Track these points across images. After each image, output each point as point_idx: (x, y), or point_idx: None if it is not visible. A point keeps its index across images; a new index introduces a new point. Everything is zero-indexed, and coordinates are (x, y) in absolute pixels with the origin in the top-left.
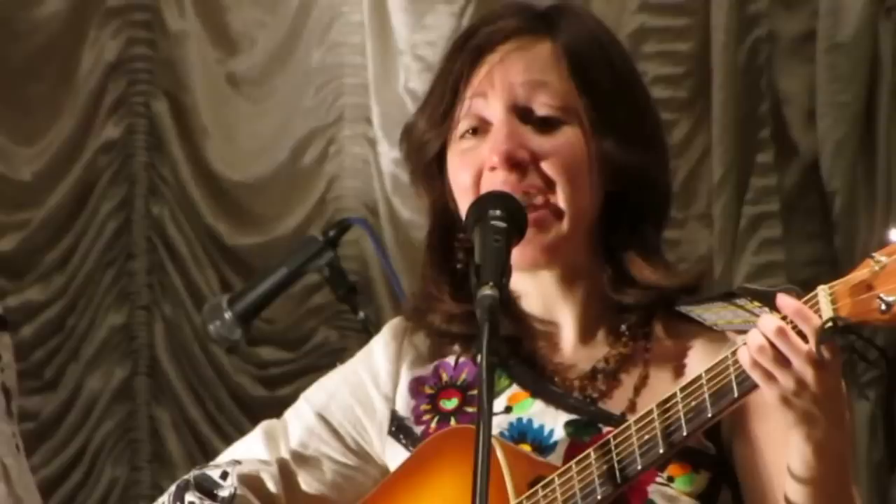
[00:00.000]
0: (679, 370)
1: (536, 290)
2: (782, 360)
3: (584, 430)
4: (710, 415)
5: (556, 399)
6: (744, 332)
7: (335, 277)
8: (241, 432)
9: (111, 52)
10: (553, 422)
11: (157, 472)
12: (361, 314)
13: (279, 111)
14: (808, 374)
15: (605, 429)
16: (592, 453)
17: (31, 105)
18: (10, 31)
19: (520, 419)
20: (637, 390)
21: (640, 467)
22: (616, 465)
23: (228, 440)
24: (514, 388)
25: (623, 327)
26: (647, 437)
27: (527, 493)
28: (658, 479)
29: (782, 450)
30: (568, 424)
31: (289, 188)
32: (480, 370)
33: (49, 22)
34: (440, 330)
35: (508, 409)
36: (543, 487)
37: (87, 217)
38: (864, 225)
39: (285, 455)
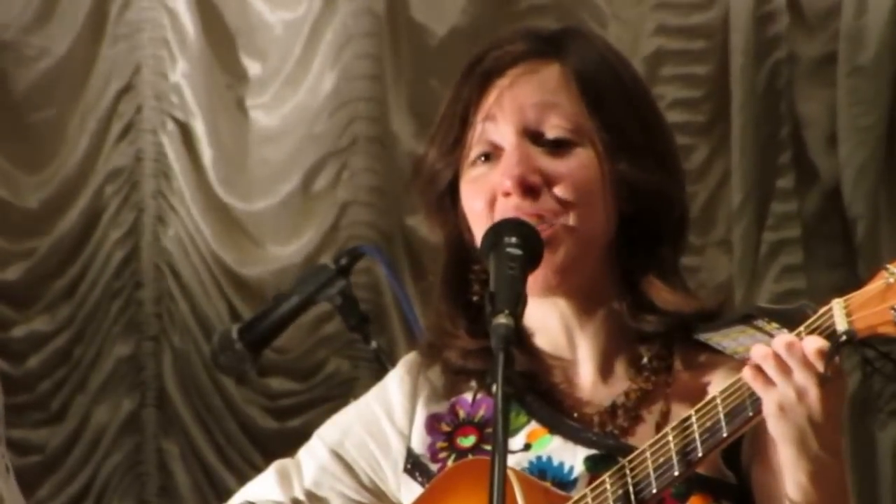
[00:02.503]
0: None
1: (554, 320)
2: (784, 369)
3: (605, 464)
4: (725, 434)
5: (575, 434)
6: None
7: (347, 306)
8: (251, 465)
9: (119, 78)
10: (572, 458)
11: None
12: (374, 344)
13: (290, 137)
14: (810, 386)
15: None
16: (608, 479)
17: (38, 132)
18: (17, 56)
19: (539, 457)
20: (659, 427)
21: (655, 490)
22: (631, 488)
23: (238, 473)
24: (533, 425)
25: (644, 360)
26: (662, 459)
27: None
28: None
29: None
30: (588, 459)
31: (300, 215)
32: (496, 399)
33: (57, 47)
34: (456, 366)
35: (528, 447)
36: None
37: (95, 246)
38: (887, 251)
39: (299, 495)
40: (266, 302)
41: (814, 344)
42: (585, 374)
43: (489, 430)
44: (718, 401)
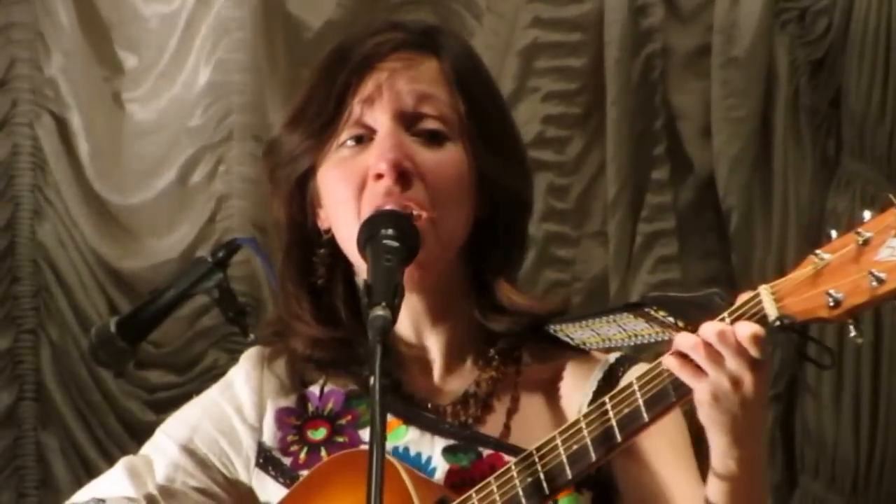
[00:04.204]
0: (551, 394)
1: (406, 315)
2: (716, 357)
3: (464, 454)
4: (646, 420)
5: (430, 426)
6: (623, 347)
7: (224, 299)
8: None
9: None
10: (430, 449)
11: (44, 499)
12: (251, 336)
13: (166, 131)
14: (745, 373)
15: (486, 452)
16: (514, 467)
17: None
18: None
19: (395, 448)
20: (510, 415)
21: (569, 477)
22: (543, 476)
23: None
24: (387, 417)
25: (492, 352)
26: (576, 447)
27: None
28: None
29: (670, 466)
30: (445, 451)
31: (176, 209)
32: (373, 392)
33: None
34: (302, 356)
35: None
36: None
37: None
38: (760, 241)
39: (153, 491)
40: (143, 295)
41: (748, 330)
42: (436, 366)
43: (340, 422)
44: (636, 387)
